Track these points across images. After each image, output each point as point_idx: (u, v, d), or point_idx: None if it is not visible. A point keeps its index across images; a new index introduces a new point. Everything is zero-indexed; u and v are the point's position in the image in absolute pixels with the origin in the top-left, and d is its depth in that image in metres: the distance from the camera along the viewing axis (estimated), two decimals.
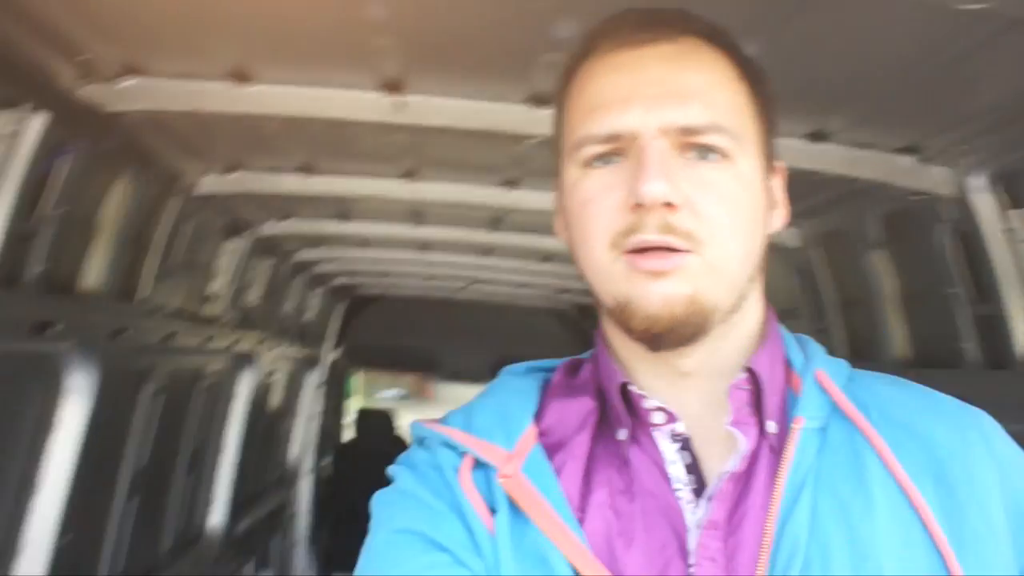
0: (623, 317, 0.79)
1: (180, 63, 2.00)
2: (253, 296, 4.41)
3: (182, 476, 3.93)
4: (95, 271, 2.55)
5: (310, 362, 6.54)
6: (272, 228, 3.91)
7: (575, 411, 0.85)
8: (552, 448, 0.82)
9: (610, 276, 0.79)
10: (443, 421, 0.88)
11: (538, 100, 2.07)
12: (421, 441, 0.88)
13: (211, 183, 2.98)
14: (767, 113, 0.87)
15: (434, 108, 2.12)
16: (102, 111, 2.07)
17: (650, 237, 0.75)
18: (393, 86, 2.07)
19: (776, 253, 3.38)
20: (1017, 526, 0.75)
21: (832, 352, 0.88)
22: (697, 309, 0.76)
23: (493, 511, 0.78)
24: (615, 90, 0.80)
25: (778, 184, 0.90)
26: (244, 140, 2.62)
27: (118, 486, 3.15)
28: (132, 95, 2.06)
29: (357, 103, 2.09)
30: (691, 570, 0.74)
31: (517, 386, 0.90)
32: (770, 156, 0.87)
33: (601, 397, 0.86)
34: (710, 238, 0.76)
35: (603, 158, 0.80)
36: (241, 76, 2.04)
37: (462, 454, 0.82)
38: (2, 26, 1.69)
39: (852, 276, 2.93)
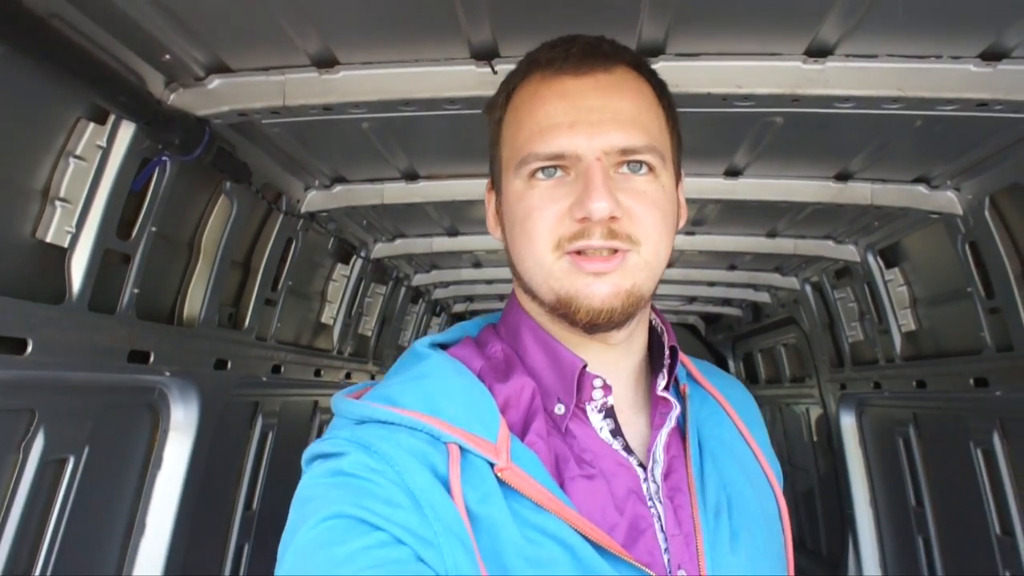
0: (568, 311, 0.92)
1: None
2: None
3: None
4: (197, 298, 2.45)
5: None
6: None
7: (518, 391, 0.96)
8: (516, 430, 0.93)
9: (552, 273, 0.93)
10: (389, 402, 0.91)
11: None
12: (374, 423, 0.89)
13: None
14: (677, 130, 1.04)
15: None
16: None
17: (596, 242, 0.90)
18: None
19: (932, 227, 2.94)
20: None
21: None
22: (633, 300, 0.92)
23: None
24: (561, 115, 0.93)
25: (682, 190, 1.07)
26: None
27: (230, 527, 3.02)
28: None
29: None
30: (651, 511, 0.94)
31: (451, 368, 0.96)
32: (679, 167, 1.05)
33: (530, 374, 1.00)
34: (646, 239, 0.92)
35: (545, 171, 0.94)
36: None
37: (444, 442, 0.86)
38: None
39: None
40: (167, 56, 1.80)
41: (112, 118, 1.82)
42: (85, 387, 2.00)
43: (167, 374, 2.27)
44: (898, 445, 3.92)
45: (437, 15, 1.70)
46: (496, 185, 1.03)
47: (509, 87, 1.02)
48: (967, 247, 2.78)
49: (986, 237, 2.62)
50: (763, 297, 5.21)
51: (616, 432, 0.97)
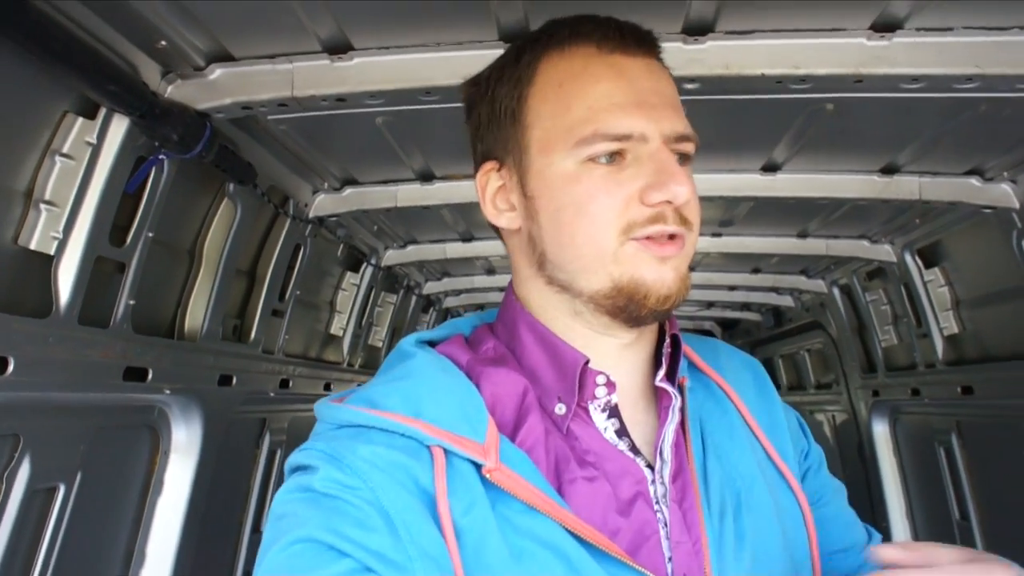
0: (633, 297, 0.87)
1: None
2: None
3: None
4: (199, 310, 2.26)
5: None
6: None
7: (508, 388, 0.90)
8: (506, 431, 0.86)
9: (616, 259, 0.87)
10: (369, 404, 0.85)
11: None
12: (352, 427, 0.85)
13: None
14: None
15: None
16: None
17: (671, 228, 0.87)
18: None
19: (980, 223, 2.76)
20: (788, 418, 1.10)
21: None
22: (687, 285, 0.90)
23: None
24: (622, 94, 0.88)
25: None
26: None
27: (237, 551, 2.84)
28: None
29: None
30: (657, 515, 0.87)
31: (436, 366, 0.90)
32: None
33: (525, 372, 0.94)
34: (696, 225, 0.92)
35: (607, 155, 0.88)
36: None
37: (427, 446, 0.82)
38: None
39: None
40: (163, 43, 1.62)
41: (103, 112, 1.64)
42: (76, 408, 1.82)
43: (167, 392, 2.09)
44: (939, 454, 3.72)
45: None
46: (517, 165, 0.94)
47: (535, 57, 0.93)
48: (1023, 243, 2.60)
49: None
50: (786, 301, 5.03)
51: (621, 432, 0.92)
